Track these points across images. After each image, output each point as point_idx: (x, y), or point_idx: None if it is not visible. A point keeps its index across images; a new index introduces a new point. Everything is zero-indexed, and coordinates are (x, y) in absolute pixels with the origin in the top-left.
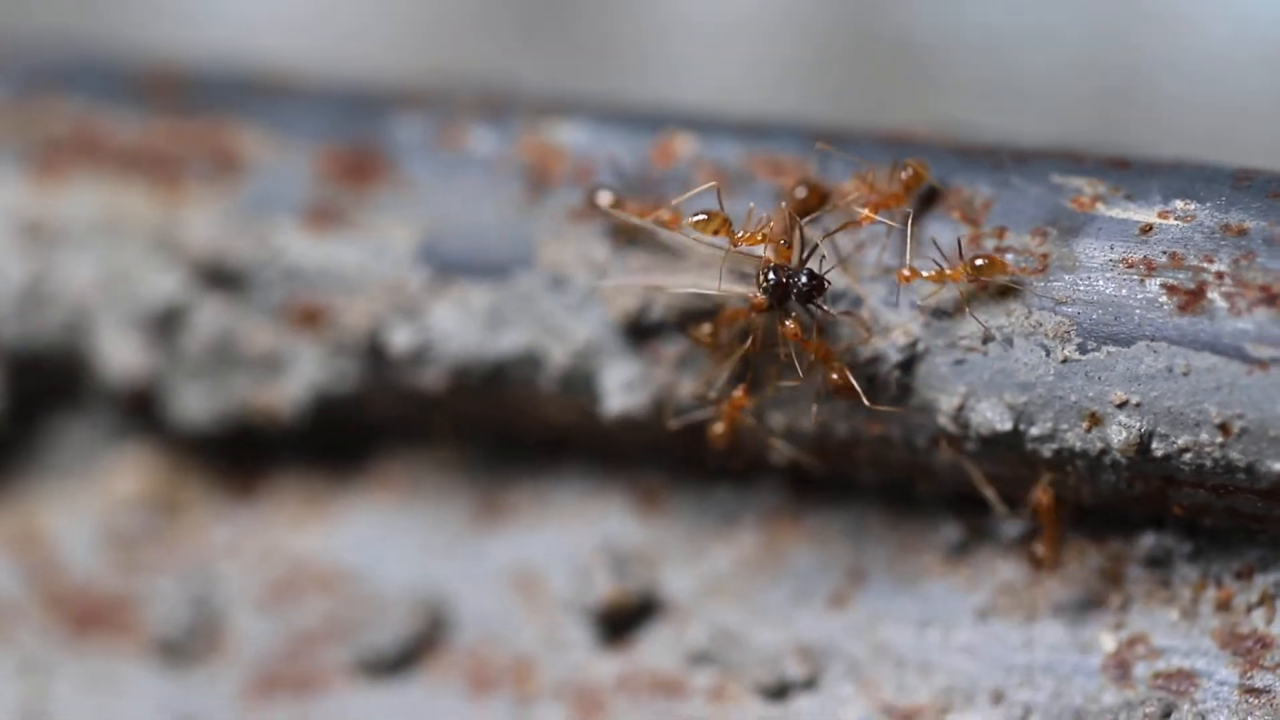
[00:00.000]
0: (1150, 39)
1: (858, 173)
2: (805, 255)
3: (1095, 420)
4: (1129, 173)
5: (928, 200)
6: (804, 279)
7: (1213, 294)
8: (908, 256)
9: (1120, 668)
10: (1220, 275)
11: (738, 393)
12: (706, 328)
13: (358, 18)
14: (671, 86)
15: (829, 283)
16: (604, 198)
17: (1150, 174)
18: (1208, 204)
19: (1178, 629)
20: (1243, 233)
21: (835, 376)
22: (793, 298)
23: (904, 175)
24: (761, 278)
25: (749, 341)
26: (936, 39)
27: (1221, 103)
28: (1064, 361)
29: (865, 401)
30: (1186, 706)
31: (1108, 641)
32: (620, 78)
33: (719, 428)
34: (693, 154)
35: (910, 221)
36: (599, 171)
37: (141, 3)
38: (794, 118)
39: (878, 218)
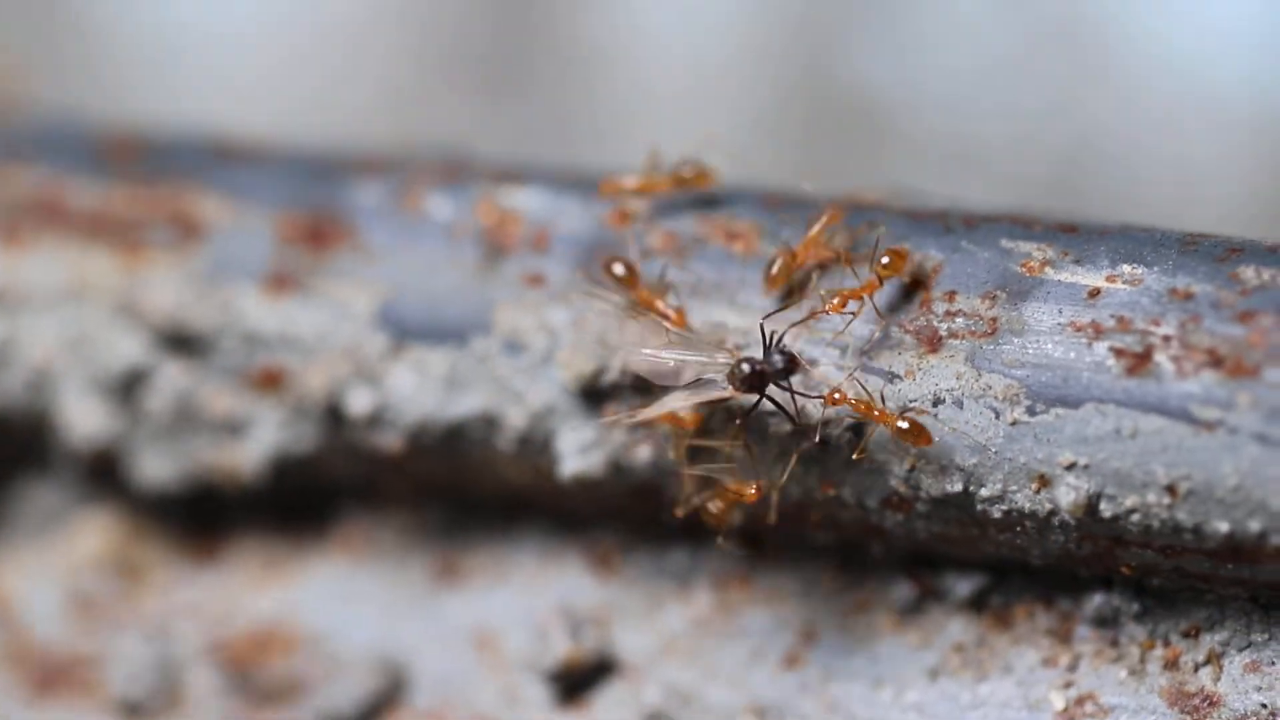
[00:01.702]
0: (1102, 104)
1: (829, 248)
2: (779, 338)
3: (1044, 482)
4: (1077, 237)
5: (910, 290)
6: (778, 361)
7: (1160, 357)
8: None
9: None
10: (1167, 339)
11: (750, 489)
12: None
13: (319, 84)
14: (633, 150)
15: (802, 361)
16: (618, 269)
17: (1098, 238)
18: (1155, 268)
19: (1126, 687)
20: (1189, 296)
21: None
22: (771, 381)
23: (882, 263)
24: (736, 371)
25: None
26: (895, 98)
27: (1175, 166)
28: (1013, 424)
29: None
30: None
31: (1057, 700)
32: (583, 143)
33: (718, 509)
34: (647, 219)
35: (876, 311)
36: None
37: (107, 72)
38: (748, 183)
39: (844, 311)
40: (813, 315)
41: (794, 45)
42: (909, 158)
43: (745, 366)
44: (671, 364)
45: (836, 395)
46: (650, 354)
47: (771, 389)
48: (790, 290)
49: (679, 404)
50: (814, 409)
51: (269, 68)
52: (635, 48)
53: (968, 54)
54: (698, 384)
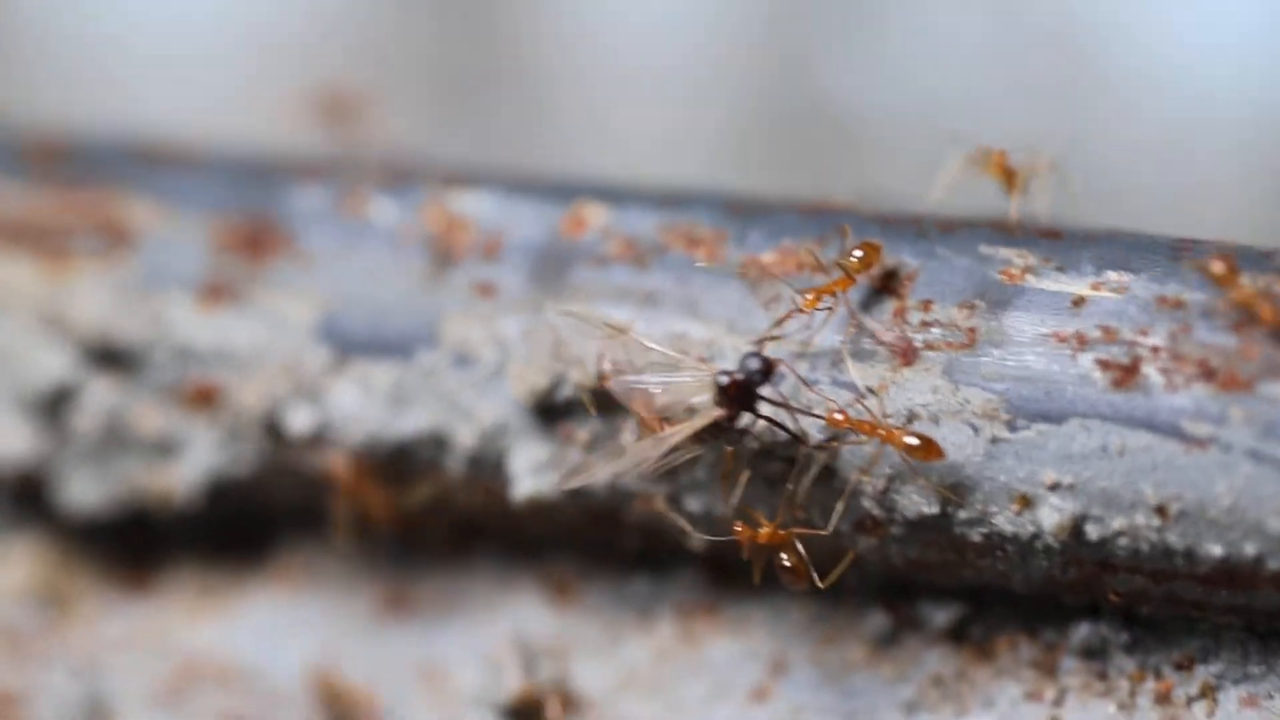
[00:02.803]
0: (1094, 110)
1: (804, 249)
2: (758, 345)
3: (1026, 502)
4: (1060, 243)
5: (884, 282)
6: (755, 366)
7: (1148, 369)
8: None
9: None
10: (1156, 350)
11: (765, 529)
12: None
13: (256, 84)
14: (594, 156)
15: (780, 363)
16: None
17: (1083, 245)
18: (1143, 275)
19: None
20: (1179, 305)
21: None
22: (754, 391)
23: (855, 256)
24: (716, 389)
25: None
26: (870, 109)
27: (1167, 176)
28: (993, 441)
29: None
30: None
31: None
32: (542, 149)
33: (793, 562)
34: (604, 224)
35: (850, 309)
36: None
37: (28, 70)
38: (711, 188)
39: (819, 306)
40: (784, 319)
41: (763, 54)
42: (883, 170)
43: (722, 380)
44: (657, 389)
45: (839, 415)
46: (635, 379)
47: (765, 408)
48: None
49: (678, 439)
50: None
51: (206, 75)
52: (597, 54)
53: (946, 62)
54: (690, 412)
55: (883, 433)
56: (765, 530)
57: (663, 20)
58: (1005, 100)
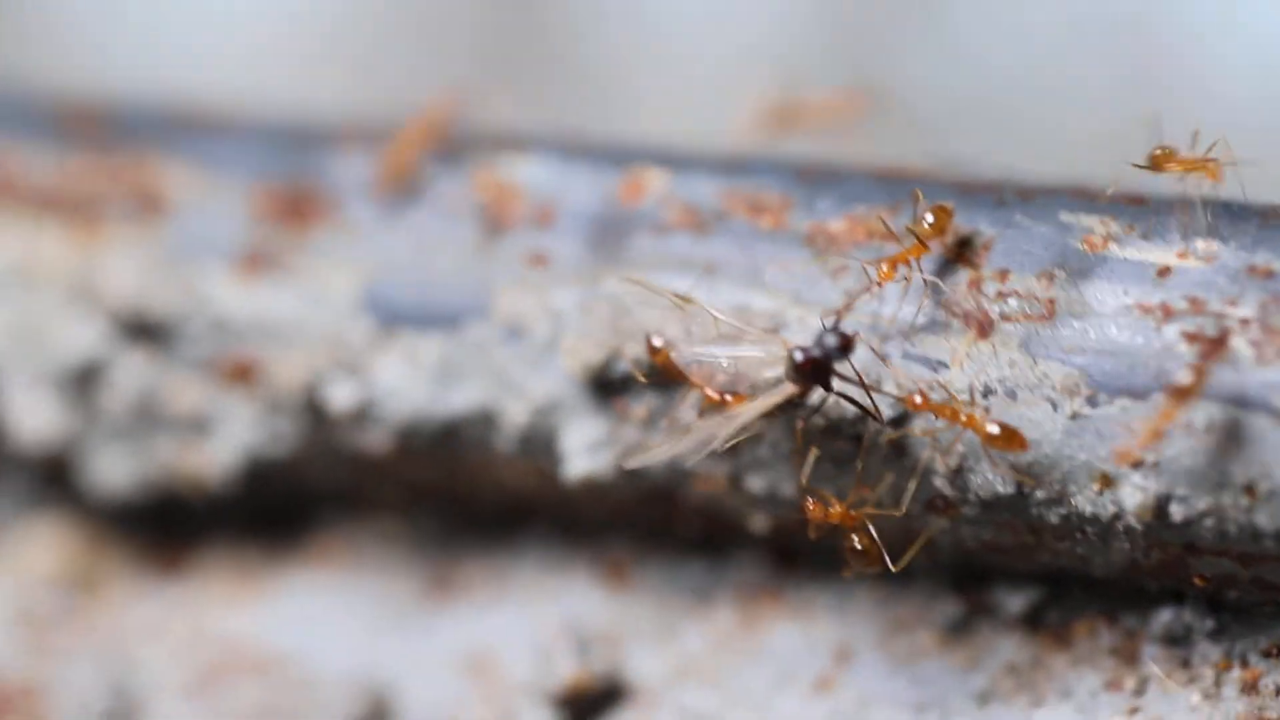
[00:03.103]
0: (1173, 77)
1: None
2: (836, 320)
3: (1107, 482)
4: (1145, 210)
5: (958, 251)
6: (833, 342)
7: (1237, 341)
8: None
9: None
10: (1245, 321)
11: (836, 509)
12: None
13: (303, 50)
14: (646, 121)
15: (858, 337)
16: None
17: (1168, 212)
18: (1232, 244)
19: (1199, 713)
20: (1270, 275)
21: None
22: (831, 367)
23: (927, 221)
24: (789, 364)
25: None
26: (937, 84)
27: (1252, 139)
28: (1073, 417)
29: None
30: None
31: None
32: (590, 117)
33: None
34: (664, 191)
35: (924, 278)
36: None
37: (62, 35)
38: (774, 153)
39: (894, 278)
40: (860, 292)
41: (827, 29)
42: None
43: (797, 355)
44: (723, 362)
45: (918, 398)
46: (700, 351)
47: (842, 386)
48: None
49: (748, 417)
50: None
51: (245, 37)
52: (650, 20)
53: (1010, 51)
54: (763, 389)
55: (964, 418)
56: (836, 510)
57: None
58: (1080, 67)
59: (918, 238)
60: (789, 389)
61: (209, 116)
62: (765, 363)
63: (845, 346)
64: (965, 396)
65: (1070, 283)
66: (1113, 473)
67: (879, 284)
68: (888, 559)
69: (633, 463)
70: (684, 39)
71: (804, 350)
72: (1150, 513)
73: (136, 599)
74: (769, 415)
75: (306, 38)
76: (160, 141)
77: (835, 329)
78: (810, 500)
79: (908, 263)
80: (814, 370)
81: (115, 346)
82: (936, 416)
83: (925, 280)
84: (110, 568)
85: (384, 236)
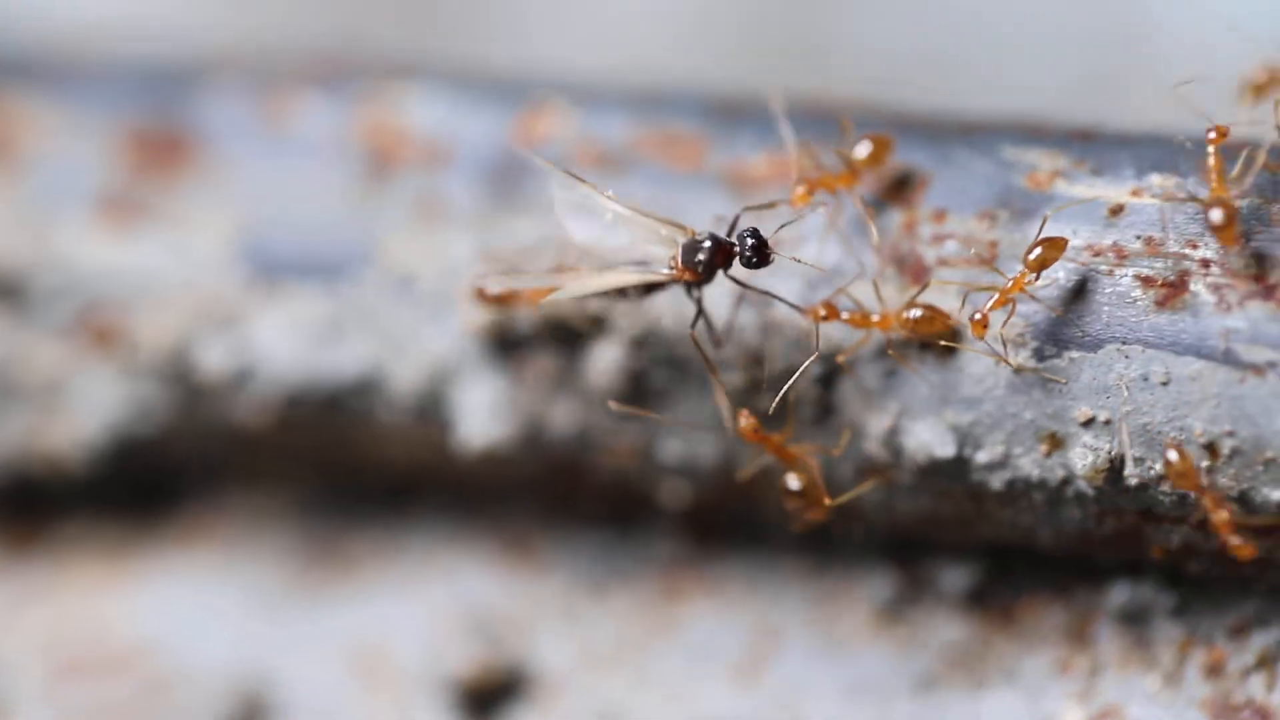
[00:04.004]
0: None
1: (800, 144)
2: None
3: (1056, 442)
4: (1095, 144)
5: (896, 188)
6: (749, 243)
7: (1197, 286)
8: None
9: None
10: (1206, 264)
11: (775, 437)
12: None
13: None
14: (561, 49)
15: (774, 247)
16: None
17: (1121, 145)
18: (1191, 179)
19: (1159, 699)
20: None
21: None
22: (734, 265)
23: (860, 152)
24: (690, 251)
25: None
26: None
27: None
28: (1017, 371)
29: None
30: None
31: (1074, 713)
32: (498, 37)
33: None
34: (570, 130)
35: (864, 212)
36: None
37: None
38: (692, 85)
39: (813, 199)
40: (770, 206)
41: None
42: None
43: (707, 244)
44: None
45: (822, 310)
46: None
47: (755, 281)
48: None
49: (614, 281)
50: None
51: None
52: None
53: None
54: (640, 262)
55: (877, 319)
56: (774, 439)
57: None
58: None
59: (849, 166)
60: (675, 271)
61: (64, 50)
62: (652, 238)
63: (760, 253)
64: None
65: (1013, 224)
66: (1061, 432)
67: (791, 204)
68: (827, 498)
69: (491, 288)
70: None
71: (716, 239)
72: (1102, 476)
73: None
74: (631, 292)
75: None
76: (12, 78)
77: (758, 234)
78: (741, 414)
79: (833, 191)
80: (721, 262)
81: None
82: (851, 324)
83: (863, 211)
84: None
85: (261, 180)
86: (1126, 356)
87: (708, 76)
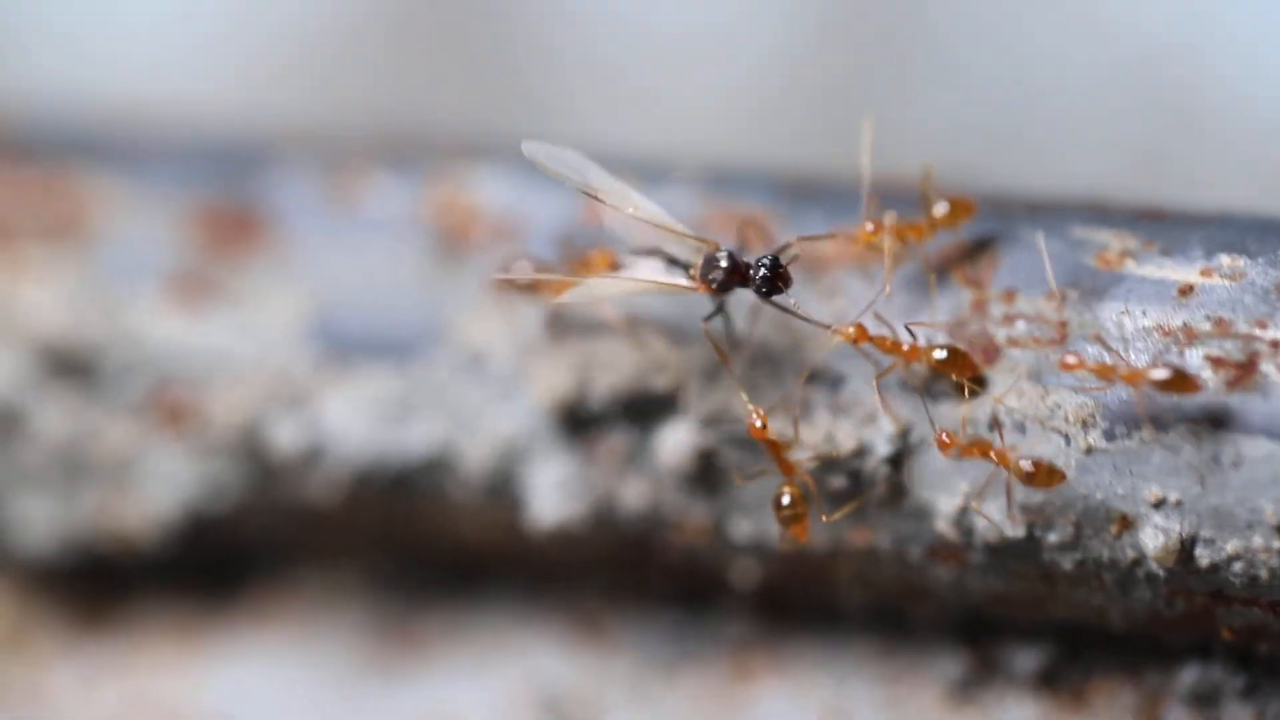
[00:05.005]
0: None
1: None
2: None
3: (1126, 523)
4: (1165, 224)
5: (974, 251)
6: (765, 267)
7: (1267, 366)
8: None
9: None
10: (1276, 344)
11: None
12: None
13: (239, 55)
14: (617, 121)
15: (790, 276)
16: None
17: (1190, 225)
18: (1260, 260)
19: None
20: None
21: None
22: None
23: (939, 210)
24: (709, 262)
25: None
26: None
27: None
28: (1088, 452)
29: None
30: None
31: None
32: (556, 115)
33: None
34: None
35: (927, 267)
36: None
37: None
38: (758, 166)
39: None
40: (830, 236)
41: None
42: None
43: (723, 259)
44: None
45: (849, 329)
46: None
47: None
48: None
49: (635, 287)
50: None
51: (174, 42)
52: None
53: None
54: (665, 265)
55: (905, 349)
56: (781, 444)
57: None
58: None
59: (928, 220)
60: (692, 282)
61: (137, 129)
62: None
63: (779, 280)
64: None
65: (1083, 304)
66: (1132, 513)
67: (858, 238)
68: (821, 511)
69: (502, 278)
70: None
71: (735, 258)
72: (1173, 557)
73: (61, 662)
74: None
75: (244, 47)
76: (83, 156)
77: (777, 261)
78: (755, 410)
79: (903, 239)
80: (736, 280)
81: (34, 386)
82: (882, 350)
83: (927, 266)
84: (34, 625)
85: (331, 259)
86: (1197, 437)
87: (775, 156)
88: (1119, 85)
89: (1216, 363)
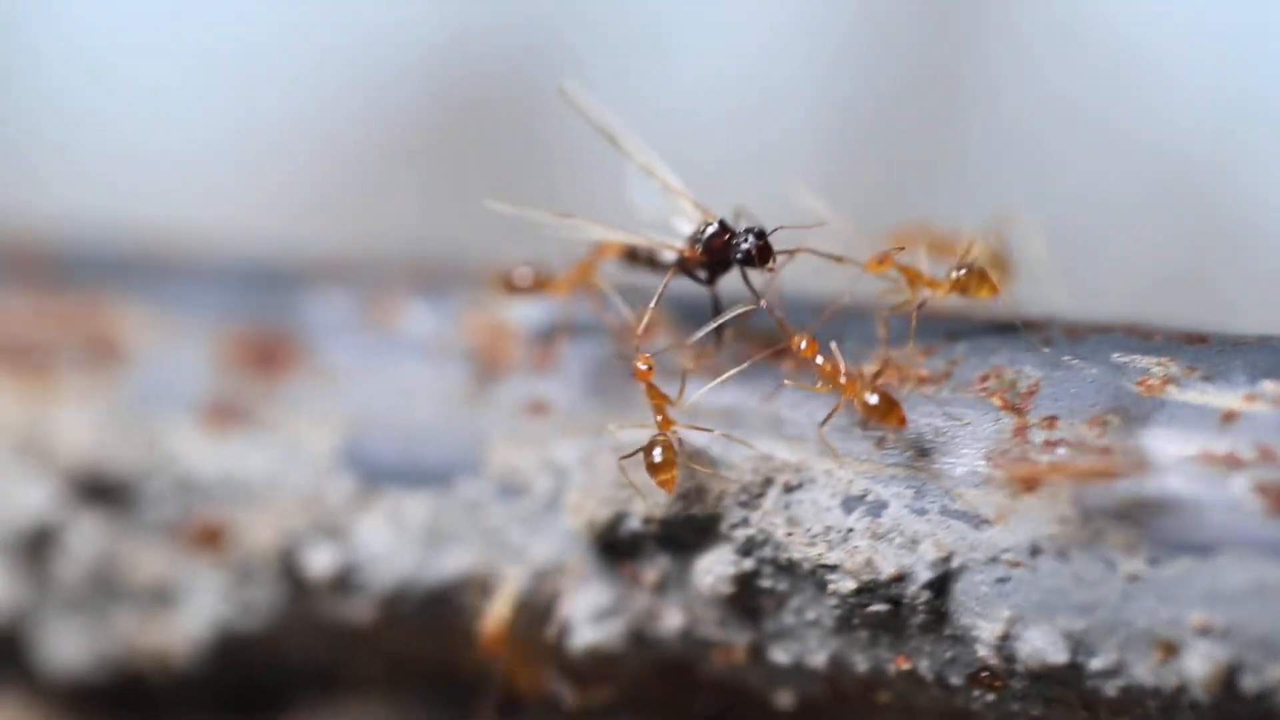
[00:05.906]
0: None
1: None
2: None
3: (1170, 650)
4: (1207, 349)
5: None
6: (751, 239)
7: None
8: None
9: None
10: None
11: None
12: None
13: (270, 185)
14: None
15: (771, 255)
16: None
17: (1233, 351)
18: None
19: None
20: None
21: (871, 400)
22: (734, 260)
23: (959, 273)
24: (701, 230)
25: None
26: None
27: None
28: (1131, 578)
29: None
30: None
31: None
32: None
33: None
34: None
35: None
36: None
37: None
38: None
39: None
40: (839, 260)
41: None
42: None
43: (714, 227)
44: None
45: (803, 344)
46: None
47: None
48: None
49: (627, 238)
50: None
51: (207, 171)
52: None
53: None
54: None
55: (844, 381)
56: (661, 394)
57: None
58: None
59: (951, 279)
60: (681, 245)
61: (168, 255)
62: (677, 211)
63: (764, 254)
64: (1015, 555)
65: (1125, 430)
66: (1176, 640)
67: (865, 269)
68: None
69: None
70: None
71: (727, 229)
72: (1218, 685)
73: None
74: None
75: (273, 173)
76: (115, 282)
77: (764, 235)
78: (642, 358)
79: (913, 282)
80: (720, 249)
81: (69, 509)
82: (819, 377)
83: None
84: None
85: (365, 384)
86: (1242, 564)
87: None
88: (1153, 206)
89: (1261, 490)
